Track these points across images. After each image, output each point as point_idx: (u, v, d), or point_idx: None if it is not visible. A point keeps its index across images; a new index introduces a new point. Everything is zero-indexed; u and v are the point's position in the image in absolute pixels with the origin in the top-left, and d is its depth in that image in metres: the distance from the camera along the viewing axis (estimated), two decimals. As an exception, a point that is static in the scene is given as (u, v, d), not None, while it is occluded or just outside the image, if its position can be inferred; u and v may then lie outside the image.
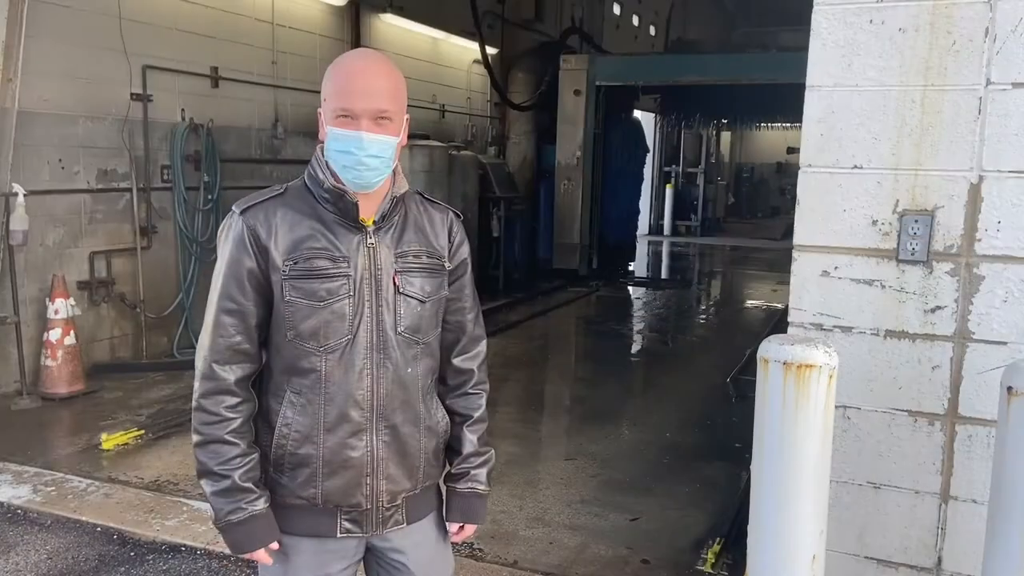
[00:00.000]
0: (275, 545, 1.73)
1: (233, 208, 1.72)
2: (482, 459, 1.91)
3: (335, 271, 1.68)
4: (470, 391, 1.91)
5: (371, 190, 1.71)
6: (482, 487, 1.91)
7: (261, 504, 1.70)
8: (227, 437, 1.67)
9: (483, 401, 1.93)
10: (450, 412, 1.90)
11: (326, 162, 1.72)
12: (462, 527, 1.92)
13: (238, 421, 1.69)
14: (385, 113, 1.66)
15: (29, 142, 5.74)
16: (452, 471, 1.92)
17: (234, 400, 1.69)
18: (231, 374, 1.69)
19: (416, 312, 1.75)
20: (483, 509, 1.93)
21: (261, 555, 1.73)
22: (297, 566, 1.77)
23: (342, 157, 1.66)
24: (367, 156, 1.65)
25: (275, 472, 1.73)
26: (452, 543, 1.96)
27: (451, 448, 1.91)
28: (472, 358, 1.91)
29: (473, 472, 1.90)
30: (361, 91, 1.64)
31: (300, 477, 1.72)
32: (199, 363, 1.70)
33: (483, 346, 1.94)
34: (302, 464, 1.71)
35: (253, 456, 1.70)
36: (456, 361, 1.89)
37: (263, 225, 1.68)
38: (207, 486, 1.69)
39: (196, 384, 1.70)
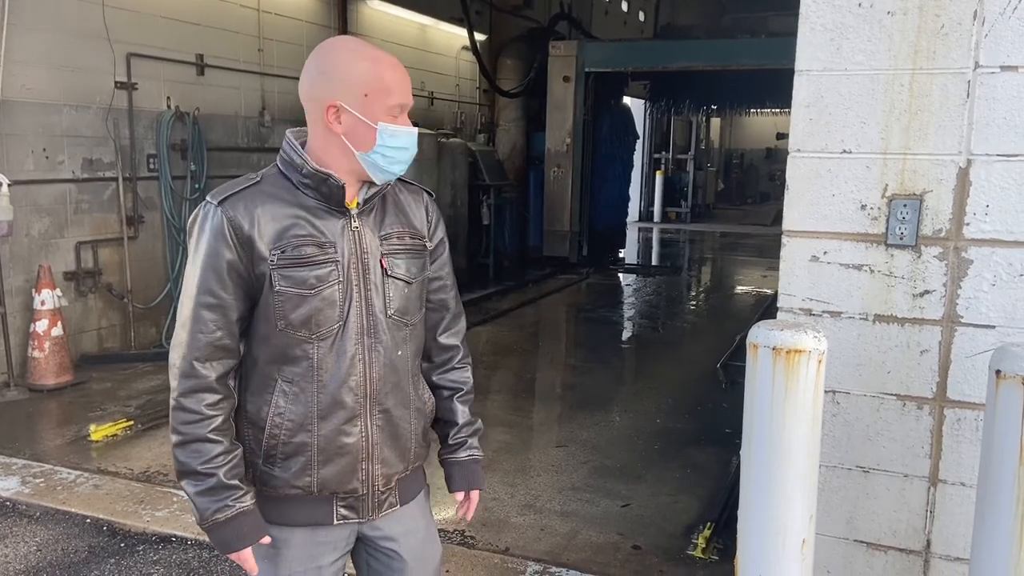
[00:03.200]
0: (266, 540, 1.71)
1: (208, 199, 1.66)
2: (474, 428, 1.96)
3: (323, 257, 1.65)
4: (457, 365, 1.94)
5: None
6: (479, 453, 1.97)
7: (248, 500, 1.67)
8: (209, 435, 1.64)
9: (470, 373, 1.97)
10: (439, 387, 1.92)
11: (298, 146, 1.68)
12: (467, 496, 1.96)
13: (220, 419, 1.65)
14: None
15: (12, 131, 5.68)
16: (449, 442, 1.94)
17: (215, 397, 1.65)
18: (212, 371, 1.65)
19: (404, 294, 1.76)
20: (482, 475, 1.99)
21: (247, 555, 1.69)
22: (288, 559, 1.75)
23: (400, 153, 1.67)
24: (416, 149, 1.71)
25: (266, 464, 1.71)
26: (464, 517, 1.98)
27: (444, 420, 1.94)
28: (456, 334, 1.94)
29: (469, 441, 1.95)
30: (407, 84, 1.68)
31: (294, 467, 1.70)
32: (177, 360, 1.65)
33: (464, 321, 1.98)
34: (296, 453, 1.69)
35: (236, 453, 1.68)
36: (442, 338, 1.92)
37: (244, 216, 1.63)
38: (190, 486, 1.65)
39: (174, 382, 1.65)
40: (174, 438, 1.66)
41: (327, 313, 1.66)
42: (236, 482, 1.66)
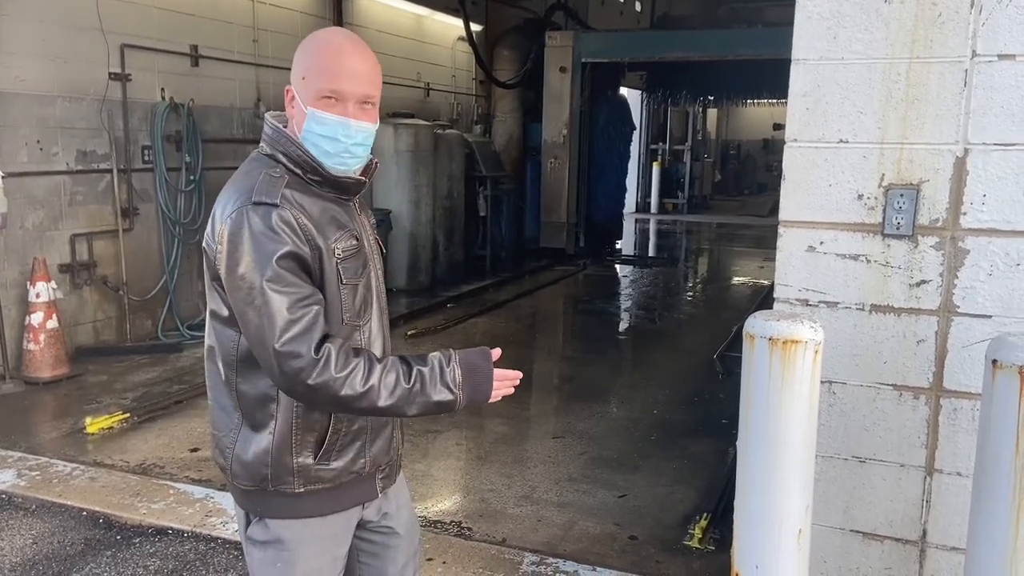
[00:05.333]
0: (496, 351, 1.71)
1: (258, 200, 1.56)
2: None
3: (357, 246, 1.70)
4: None
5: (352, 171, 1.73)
6: None
7: (441, 353, 1.66)
8: (383, 369, 1.58)
9: None
10: None
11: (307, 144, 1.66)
12: None
13: (368, 355, 1.59)
14: (370, 99, 1.65)
15: (6, 123, 5.65)
16: None
17: (353, 350, 1.58)
18: (335, 342, 1.57)
19: (384, 267, 1.88)
20: None
21: (501, 374, 1.68)
22: (306, 556, 1.74)
23: (326, 143, 1.63)
24: (353, 144, 1.63)
25: (321, 461, 1.68)
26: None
27: None
28: None
29: None
30: (351, 73, 1.62)
31: (351, 453, 1.71)
32: (318, 346, 1.52)
33: None
34: (355, 439, 1.71)
35: (392, 356, 1.65)
36: None
37: (304, 214, 1.59)
38: (419, 405, 1.60)
39: (321, 369, 1.52)
40: (384, 399, 1.57)
41: (367, 297, 1.72)
42: (425, 360, 1.64)
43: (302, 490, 1.69)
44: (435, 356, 1.66)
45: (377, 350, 1.75)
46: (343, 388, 1.54)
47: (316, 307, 1.57)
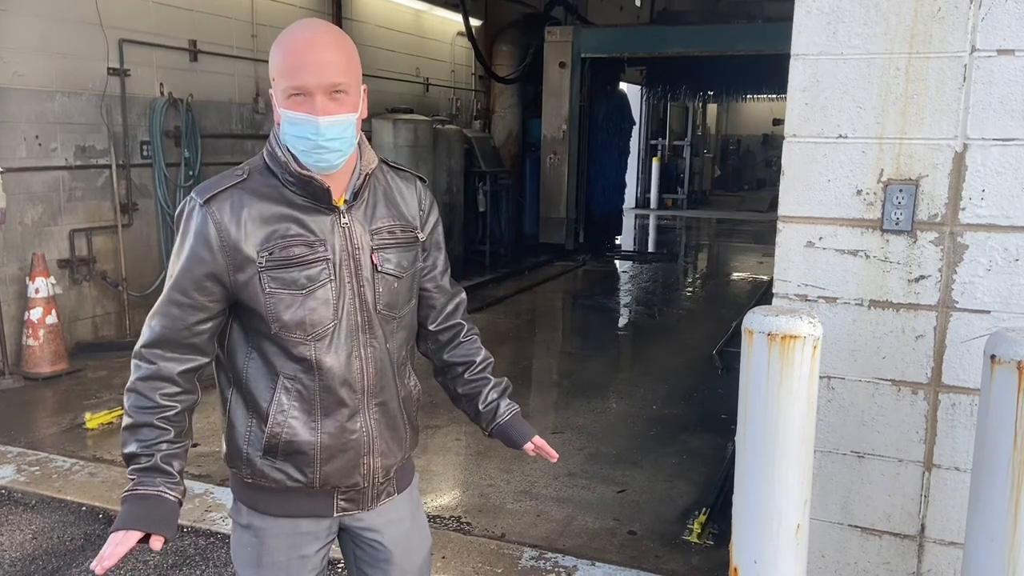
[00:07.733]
0: (157, 542, 1.58)
1: (193, 196, 1.61)
2: (500, 388, 1.97)
3: (313, 257, 1.62)
4: (464, 339, 1.94)
5: (336, 171, 1.64)
6: (515, 407, 1.98)
7: (174, 493, 1.63)
8: (156, 422, 1.61)
9: (479, 342, 1.97)
10: (452, 364, 1.93)
11: (287, 145, 1.63)
12: (534, 445, 1.96)
13: (172, 411, 1.63)
14: (339, 86, 1.57)
15: (5, 118, 5.64)
16: (483, 410, 1.94)
17: (173, 389, 1.63)
18: (175, 364, 1.63)
19: (393, 289, 1.72)
20: (528, 423, 2.00)
21: (132, 540, 1.56)
22: (271, 549, 1.75)
23: (300, 142, 1.58)
24: (326, 140, 1.57)
25: (266, 457, 1.68)
26: (537, 450, 1.95)
27: (468, 395, 1.95)
28: (456, 311, 1.94)
29: (500, 402, 1.95)
30: (312, 65, 1.55)
31: (296, 462, 1.68)
32: (141, 349, 1.64)
33: (461, 296, 1.96)
34: (298, 451, 1.67)
35: (182, 444, 1.66)
36: (444, 319, 1.92)
37: (231, 219, 1.58)
38: (130, 466, 1.63)
39: (134, 366, 1.64)
40: (124, 420, 1.64)
41: (321, 313, 1.63)
42: (171, 469, 1.62)
43: (250, 480, 1.71)
44: (178, 487, 1.63)
45: (337, 376, 1.66)
46: (127, 392, 1.64)
47: (184, 315, 1.61)
